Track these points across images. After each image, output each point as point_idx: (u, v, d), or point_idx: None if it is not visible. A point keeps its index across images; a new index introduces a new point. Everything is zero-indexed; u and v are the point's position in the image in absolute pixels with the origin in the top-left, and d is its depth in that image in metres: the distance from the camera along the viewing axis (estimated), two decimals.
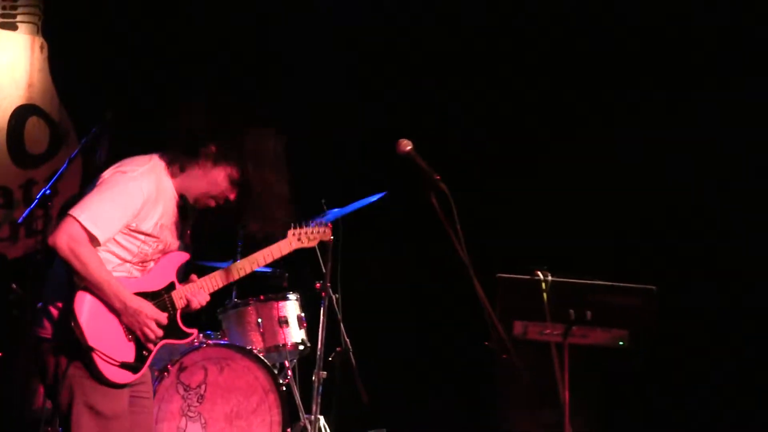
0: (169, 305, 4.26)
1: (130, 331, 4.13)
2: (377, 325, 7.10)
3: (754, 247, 6.48)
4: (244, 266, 4.46)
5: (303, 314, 6.27)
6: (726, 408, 6.32)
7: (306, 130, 7.28)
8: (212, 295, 4.40)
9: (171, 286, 4.30)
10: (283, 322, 6.10)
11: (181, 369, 5.69)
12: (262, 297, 6.11)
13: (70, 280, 4.04)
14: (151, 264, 4.29)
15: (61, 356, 4.04)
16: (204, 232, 4.46)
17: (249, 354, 5.84)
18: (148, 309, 4.14)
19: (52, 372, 4.06)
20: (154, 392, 5.28)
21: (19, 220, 6.12)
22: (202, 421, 5.74)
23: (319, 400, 5.96)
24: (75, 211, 4.05)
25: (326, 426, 6.22)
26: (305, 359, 6.36)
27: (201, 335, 6.00)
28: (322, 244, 5.14)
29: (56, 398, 4.08)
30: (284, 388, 5.91)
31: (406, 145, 3.90)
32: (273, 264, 4.84)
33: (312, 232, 4.74)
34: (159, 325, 4.16)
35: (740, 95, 6.57)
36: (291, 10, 7.59)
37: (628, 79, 7.00)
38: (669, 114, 6.85)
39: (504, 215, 7.18)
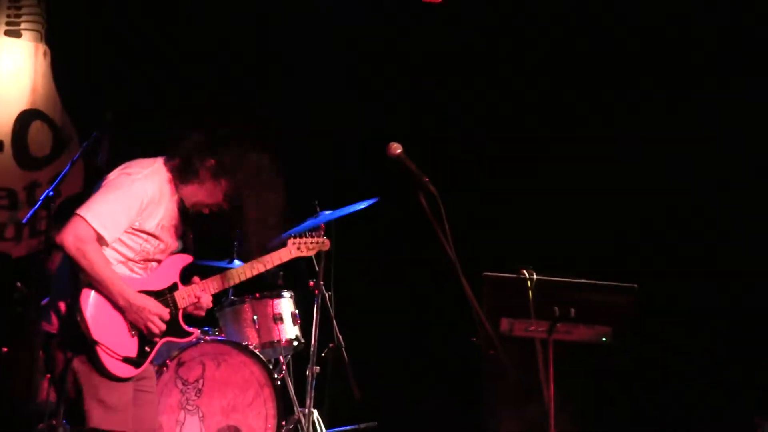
0: (171, 305, 4.53)
1: (133, 327, 4.39)
2: (369, 321, 7.20)
3: (754, 247, 6.63)
4: (244, 271, 4.80)
5: (297, 311, 6.46)
6: (725, 407, 6.45)
7: (306, 130, 7.52)
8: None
9: (174, 287, 4.56)
10: (278, 319, 6.30)
11: (180, 364, 5.87)
12: (257, 295, 6.29)
13: (76, 277, 4.27)
14: (153, 264, 4.55)
15: (67, 351, 4.27)
16: (203, 234, 4.74)
17: (245, 350, 6.03)
18: (152, 305, 4.41)
19: (60, 366, 4.29)
20: None
21: (24, 221, 6.35)
22: (200, 414, 5.94)
23: (312, 394, 6.13)
24: (82, 211, 4.30)
25: (319, 419, 6.41)
26: (299, 355, 6.52)
27: (199, 331, 5.90)
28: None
29: (63, 391, 4.30)
30: (279, 383, 6.10)
31: (396, 149, 4.05)
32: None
33: (311, 243, 5.09)
34: (162, 321, 4.42)
35: (740, 95, 6.73)
36: (291, 10, 7.71)
37: (628, 79, 7.15)
38: (669, 114, 7.01)
39: (504, 215, 7.28)
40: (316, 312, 6.25)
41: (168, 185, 4.51)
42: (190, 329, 4.63)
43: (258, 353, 6.06)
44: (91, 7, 7.75)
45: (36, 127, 7.91)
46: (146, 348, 4.43)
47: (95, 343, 4.23)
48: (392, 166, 4.07)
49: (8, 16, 7.89)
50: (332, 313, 6.38)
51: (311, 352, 6.19)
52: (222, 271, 5.54)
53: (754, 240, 6.65)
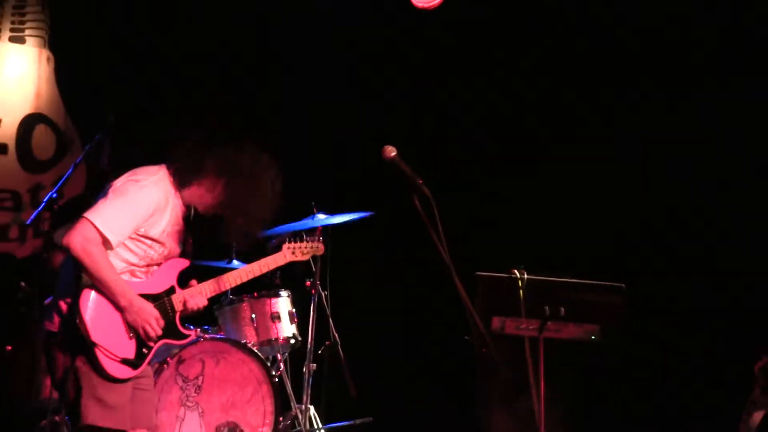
0: (168, 308, 4.70)
1: (131, 329, 4.58)
2: (364, 319, 7.32)
3: (754, 247, 6.67)
4: (240, 275, 5.04)
5: (294, 310, 6.59)
6: (724, 407, 6.26)
7: (306, 130, 7.67)
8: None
9: (171, 290, 4.73)
10: (276, 317, 6.45)
11: (180, 361, 6.01)
12: (255, 294, 6.44)
13: (78, 278, 4.45)
14: (155, 268, 4.76)
15: (67, 350, 4.42)
16: (202, 235, 4.98)
17: (243, 347, 6.17)
18: (151, 308, 4.61)
19: (60, 365, 4.46)
20: (154, 384, 5.23)
21: (28, 222, 6.38)
22: (200, 410, 6.07)
23: (309, 391, 6.32)
24: (90, 214, 4.50)
25: (316, 415, 6.57)
26: (296, 352, 6.67)
27: (198, 330, 6.12)
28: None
29: (64, 389, 4.44)
30: (276, 380, 6.23)
31: (391, 152, 4.16)
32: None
33: (306, 247, 5.38)
34: (158, 325, 4.61)
35: (740, 95, 6.77)
36: (291, 10, 7.83)
37: (628, 79, 7.21)
38: (669, 114, 7.06)
39: (504, 215, 7.37)
40: (313, 311, 6.45)
41: (173, 191, 4.70)
42: (187, 331, 4.79)
43: (256, 351, 6.21)
44: (93, 14, 7.91)
45: (40, 130, 8.13)
46: (144, 350, 4.60)
47: (94, 344, 4.41)
48: (388, 168, 4.18)
49: (12, 22, 8.06)
50: (328, 311, 6.53)
51: (308, 350, 6.39)
52: (220, 271, 5.67)
53: (754, 240, 6.70)
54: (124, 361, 4.52)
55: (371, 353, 7.27)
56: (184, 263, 4.85)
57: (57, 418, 5.54)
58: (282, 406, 6.27)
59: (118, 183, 4.64)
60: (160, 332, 4.61)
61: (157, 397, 5.55)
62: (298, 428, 6.36)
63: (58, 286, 4.60)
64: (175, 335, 4.75)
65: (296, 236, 5.47)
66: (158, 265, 4.75)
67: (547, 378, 5.01)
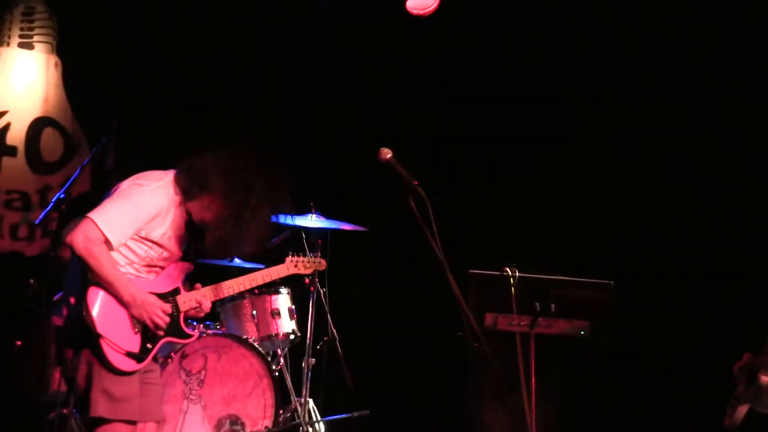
0: (173, 307, 4.90)
1: (136, 324, 4.75)
2: (362, 316, 7.60)
3: (754, 247, 6.86)
4: (243, 282, 5.19)
5: (293, 306, 6.79)
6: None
7: (306, 130, 7.88)
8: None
9: (176, 291, 4.94)
10: (276, 313, 6.67)
11: (183, 356, 6.20)
12: (256, 291, 6.59)
13: (85, 275, 4.64)
14: (157, 269, 4.92)
15: (76, 344, 4.63)
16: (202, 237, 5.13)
17: (245, 343, 6.37)
18: (155, 300, 4.80)
19: (70, 359, 4.65)
20: None
21: (36, 221, 6.69)
22: (203, 403, 6.27)
23: (308, 385, 6.50)
24: (93, 214, 4.67)
25: (315, 408, 6.73)
26: (296, 347, 6.84)
27: (201, 326, 6.45)
28: (309, 242, 6.06)
29: (73, 382, 4.64)
30: (277, 374, 6.43)
31: (386, 154, 4.33)
32: (267, 261, 5.71)
33: (308, 261, 5.63)
34: (165, 315, 4.79)
35: (740, 95, 6.97)
36: (291, 10, 8.03)
37: (628, 79, 7.42)
38: (669, 114, 7.27)
39: (504, 215, 7.59)
40: (312, 307, 6.64)
41: (176, 198, 4.88)
42: (191, 331, 5.00)
43: (257, 346, 6.42)
44: (98, 21, 8.16)
45: (48, 133, 8.42)
46: (148, 345, 4.80)
47: (99, 336, 4.60)
48: (384, 170, 4.31)
49: (21, 29, 8.32)
50: (327, 308, 6.70)
51: (307, 345, 6.60)
52: (222, 269, 6.19)
53: (754, 240, 6.87)
54: (129, 355, 4.70)
55: (368, 348, 7.44)
56: (189, 267, 5.03)
57: (65, 410, 5.64)
58: (282, 399, 6.49)
59: (124, 186, 4.82)
60: (168, 320, 4.78)
61: (161, 390, 5.43)
62: (298, 421, 6.49)
63: (67, 283, 4.77)
64: (179, 334, 4.96)
65: (299, 250, 5.72)
66: (160, 267, 4.92)
67: (538, 373, 5.17)
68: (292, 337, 6.82)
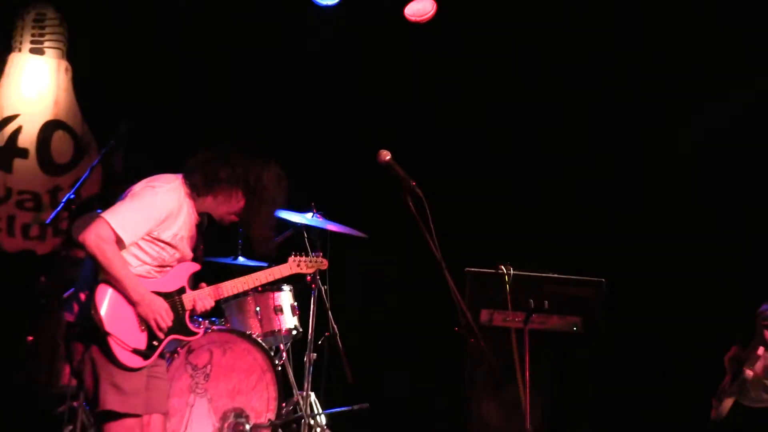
0: (179, 305, 4.95)
1: (142, 321, 4.78)
2: (362, 312, 7.73)
3: (754, 246, 6.92)
4: (247, 282, 5.18)
5: (295, 303, 6.89)
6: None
7: (306, 130, 7.94)
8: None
9: (182, 290, 4.97)
10: (278, 310, 6.75)
11: (189, 351, 6.32)
12: (259, 288, 6.62)
13: (95, 273, 4.70)
14: (168, 269, 4.96)
15: (85, 340, 4.68)
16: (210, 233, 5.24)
17: (248, 338, 6.47)
18: (160, 301, 4.83)
19: (80, 354, 4.71)
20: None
21: (47, 221, 6.83)
22: (209, 396, 6.36)
23: (310, 379, 6.56)
24: (106, 214, 4.71)
25: (316, 401, 6.82)
26: (298, 343, 6.93)
27: (206, 322, 6.56)
28: (311, 240, 6.22)
29: (82, 376, 4.70)
30: (279, 368, 6.53)
31: (386, 155, 4.41)
32: (270, 260, 5.86)
33: (311, 261, 5.55)
34: (167, 317, 4.83)
35: (740, 95, 7.08)
36: (291, 10, 8.13)
37: (627, 79, 7.52)
38: (669, 114, 7.38)
39: (505, 215, 7.68)
40: (313, 304, 6.70)
41: (187, 200, 4.94)
42: (195, 329, 5.02)
43: (260, 341, 6.51)
44: (108, 26, 8.30)
45: (58, 136, 8.56)
46: (154, 342, 4.83)
47: (107, 333, 4.65)
48: (384, 170, 4.38)
49: (33, 35, 8.46)
50: (328, 305, 6.76)
51: (309, 341, 6.66)
52: (226, 267, 6.37)
53: (755, 240, 6.94)
54: (136, 351, 4.74)
55: (368, 343, 7.54)
56: (196, 267, 5.07)
57: (75, 403, 6.12)
58: (285, 392, 6.59)
59: (137, 188, 4.88)
60: (170, 323, 4.82)
61: (168, 384, 5.56)
62: (300, 413, 6.57)
63: (79, 280, 4.82)
64: (184, 332, 4.98)
65: (302, 250, 5.73)
66: (171, 266, 4.97)
67: (532, 367, 5.39)
68: (294, 332, 6.91)
